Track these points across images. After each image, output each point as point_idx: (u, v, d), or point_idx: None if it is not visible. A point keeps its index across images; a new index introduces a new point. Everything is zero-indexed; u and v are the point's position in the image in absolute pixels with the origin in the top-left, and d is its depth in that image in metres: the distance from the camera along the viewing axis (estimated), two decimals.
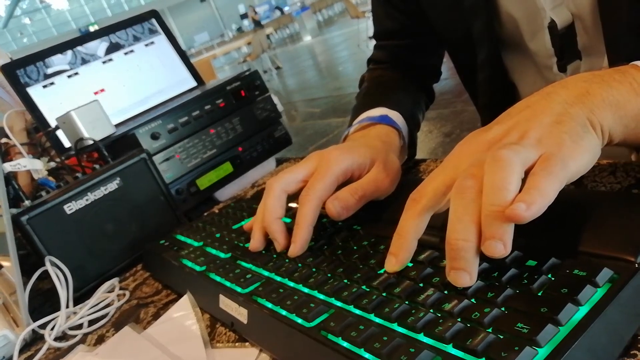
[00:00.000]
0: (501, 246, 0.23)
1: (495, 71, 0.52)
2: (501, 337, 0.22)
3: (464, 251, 0.24)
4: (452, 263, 0.25)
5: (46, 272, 0.49)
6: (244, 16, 16.18)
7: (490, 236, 0.23)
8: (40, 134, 0.73)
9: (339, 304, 0.29)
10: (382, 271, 0.30)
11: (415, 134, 0.54)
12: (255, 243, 0.39)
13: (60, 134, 0.66)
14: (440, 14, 0.54)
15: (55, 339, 0.45)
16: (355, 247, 0.34)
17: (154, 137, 0.61)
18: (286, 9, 14.52)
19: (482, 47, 0.50)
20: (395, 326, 0.25)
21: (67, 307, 0.48)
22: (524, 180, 0.25)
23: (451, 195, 0.26)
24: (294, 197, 0.39)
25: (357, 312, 0.28)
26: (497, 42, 0.51)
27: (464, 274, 0.24)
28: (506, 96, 0.56)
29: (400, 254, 0.28)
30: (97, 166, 0.60)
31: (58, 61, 0.72)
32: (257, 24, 11.51)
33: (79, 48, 0.74)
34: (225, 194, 0.68)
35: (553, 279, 0.24)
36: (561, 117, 0.27)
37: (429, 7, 0.54)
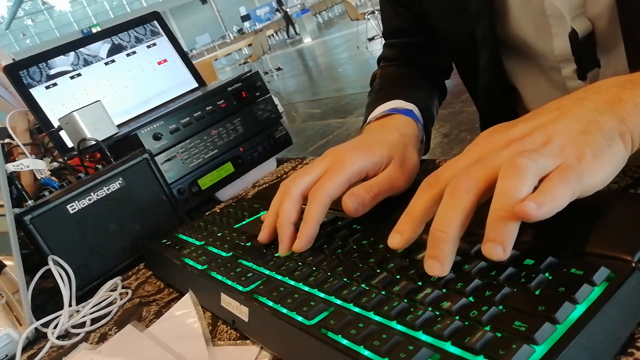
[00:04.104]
0: (500, 250, 0.23)
1: (497, 74, 0.52)
2: (499, 335, 0.22)
3: (440, 241, 0.26)
4: (428, 251, 0.26)
5: (49, 271, 0.49)
6: (245, 18, 16.19)
7: (492, 239, 0.24)
8: (43, 135, 0.73)
9: (338, 302, 0.29)
10: (381, 270, 0.30)
11: (430, 129, 0.53)
12: (264, 236, 0.39)
13: (63, 134, 0.66)
14: (443, 15, 0.53)
15: (58, 338, 0.46)
16: (354, 246, 0.34)
17: (156, 137, 0.62)
18: (287, 10, 14.52)
19: (484, 50, 0.50)
20: (394, 324, 0.26)
21: (70, 305, 0.49)
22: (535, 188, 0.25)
23: (445, 190, 0.27)
24: None
25: (357, 310, 0.28)
26: (500, 45, 0.50)
27: (436, 262, 0.26)
28: (507, 99, 0.56)
29: (406, 233, 0.28)
30: (99, 166, 0.61)
31: (61, 62, 0.73)
32: (286, 15, 11.77)
33: (82, 49, 0.74)
34: (226, 193, 0.69)
35: (550, 277, 0.24)
36: (589, 126, 0.26)
37: (431, 9, 0.54)
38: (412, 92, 0.53)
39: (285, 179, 0.40)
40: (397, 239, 0.29)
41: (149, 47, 0.79)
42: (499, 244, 0.24)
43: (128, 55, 0.77)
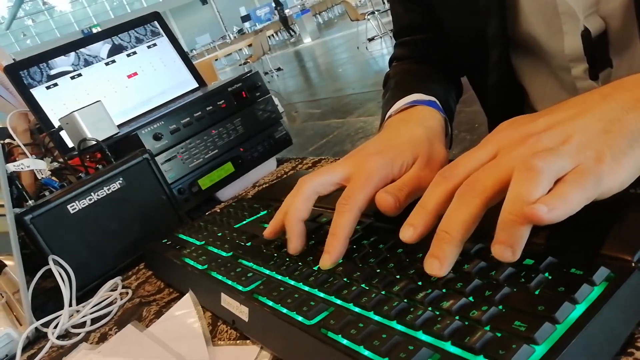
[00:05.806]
0: (509, 252, 0.23)
1: (506, 73, 0.51)
2: (499, 335, 0.22)
3: (444, 242, 0.26)
4: (431, 250, 0.26)
5: (49, 271, 0.49)
6: (245, 18, 16.20)
7: (502, 241, 0.24)
8: (43, 135, 0.73)
9: (338, 302, 0.29)
10: (381, 270, 0.30)
11: (451, 123, 0.51)
12: (269, 231, 0.38)
13: (63, 134, 0.66)
14: (452, 12, 0.52)
15: (58, 337, 0.46)
16: (354, 246, 0.34)
17: (157, 137, 0.62)
18: (287, 11, 14.52)
19: (495, 48, 0.49)
20: (394, 324, 0.26)
21: (70, 305, 0.49)
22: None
23: (456, 192, 0.27)
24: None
25: (357, 310, 0.28)
26: (510, 43, 0.49)
27: (436, 261, 0.26)
28: (515, 98, 0.55)
29: (419, 226, 0.28)
30: (100, 166, 0.61)
31: (61, 62, 0.73)
32: (284, 18, 11.71)
33: (82, 50, 0.74)
34: (226, 193, 0.69)
35: (550, 277, 0.24)
36: (612, 125, 0.25)
37: (440, 6, 0.53)
38: (431, 85, 0.52)
39: (304, 176, 0.38)
40: (409, 232, 0.28)
41: (149, 47, 0.79)
42: (508, 247, 0.23)
43: (128, 55, 0.77)
